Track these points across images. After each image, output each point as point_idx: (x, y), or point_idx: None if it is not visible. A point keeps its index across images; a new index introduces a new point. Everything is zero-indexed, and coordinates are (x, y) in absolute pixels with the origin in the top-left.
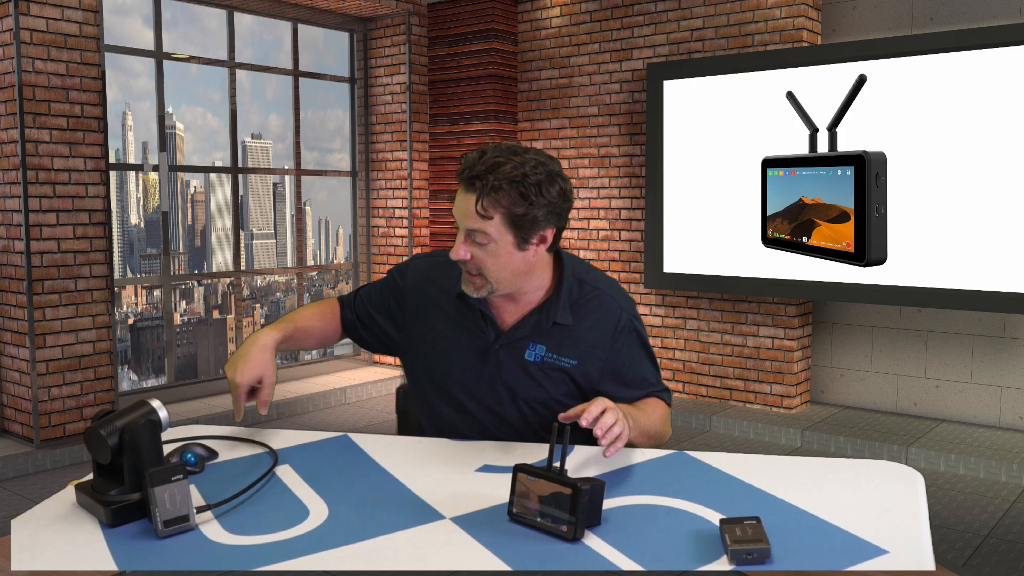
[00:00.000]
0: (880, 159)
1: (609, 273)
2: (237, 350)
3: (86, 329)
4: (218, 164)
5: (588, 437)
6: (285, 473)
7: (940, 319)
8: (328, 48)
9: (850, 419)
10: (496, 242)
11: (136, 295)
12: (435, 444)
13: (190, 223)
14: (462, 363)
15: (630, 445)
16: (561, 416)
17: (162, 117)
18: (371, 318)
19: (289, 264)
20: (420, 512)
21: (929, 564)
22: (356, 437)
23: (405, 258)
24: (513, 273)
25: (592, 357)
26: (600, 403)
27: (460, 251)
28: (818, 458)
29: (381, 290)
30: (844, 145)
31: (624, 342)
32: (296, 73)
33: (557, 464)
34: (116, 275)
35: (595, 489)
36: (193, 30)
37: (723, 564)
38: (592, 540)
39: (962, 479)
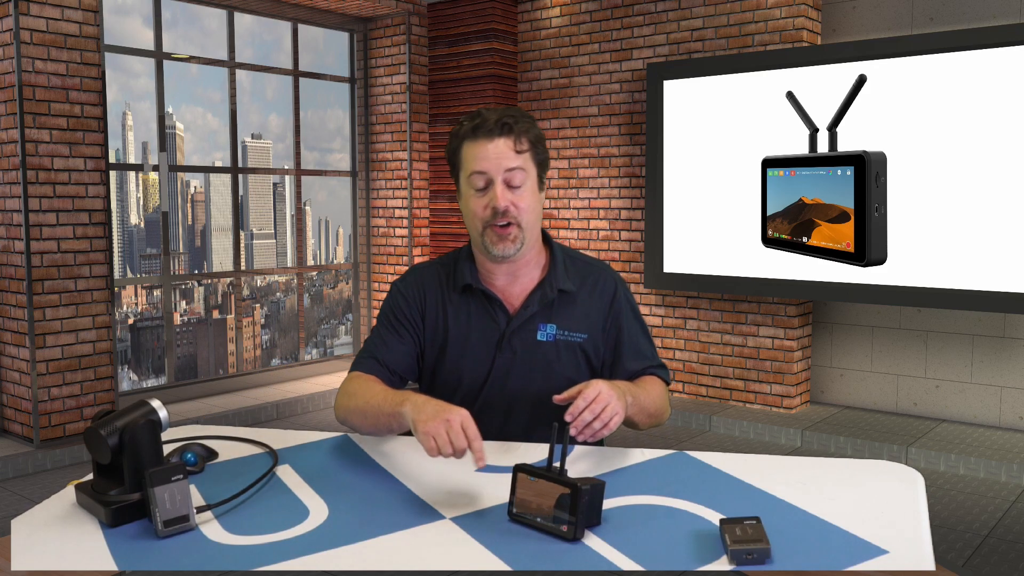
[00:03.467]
0: (880, 159)
1: None
2: (419, 413)
3: (86, 329)
4: (218, 164)
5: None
6: (285, 473)
7: (940, 319)
8: (328, 48)
9: (850, 419)
10: (528, 178)
11: (136, 295)
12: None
13: (190, 223)
14: (478, 358)
15: (630, 425)
16: (556, 398)
17: (162, 117)
18: (399, 358)
19: (289, 264)
20: (420, 512)
21: (929, 564)
22: (356, 437)
23: (405, 258)
24: (536, 218)
25: (597, 330)
26: (595, 387)
27: (504, 199)
28: (818, 458)
29: (387, 326)
30: (844, 145)
31: (620, 313)
32: (296, 73)
33: (557, 464)
34: (116, 275)
35: (595, 489)
36: (193, 30)
37: (723, 564)
38: (592, 540)
39: (962, 479)
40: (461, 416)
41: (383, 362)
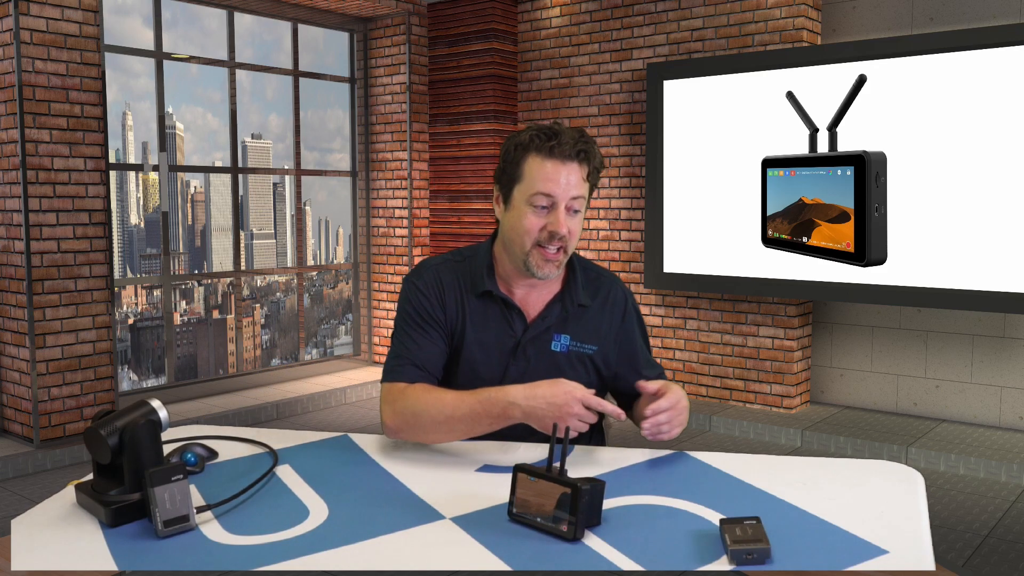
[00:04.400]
0: (880, 159)
1: None
2: (540, 420)
3: (86, 329)
4: (218, 164)
5: (588, 437)
6: (285, 473)
7: (940, 319)
8: (328, 48)
9: (850, 419)
10: (584, 206)
11: (136, 295)
12: (435, 444)
13: (190, 223)
14: (493, 363)
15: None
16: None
17: (162, 117)
18: (436, 359)
19: (289, 264)
20: (420, 512)
21: (929, 564)
22: (356, 437)
23: (405, 258)
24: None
25: (608, 341)
26: (678, 395)
27: (564, 226)
28: (818, 458)
29: (416, 327)
30: (844, 145)
31: (632, 327)
32: (296, 73)
33: (557, 464)
34: (116, 275)
35: (595, 489)
36: (193, 30)
37: (723, 564)
38: (592, 540)
39: (962, 479)
40: (582, 400)
41: (423, 366)
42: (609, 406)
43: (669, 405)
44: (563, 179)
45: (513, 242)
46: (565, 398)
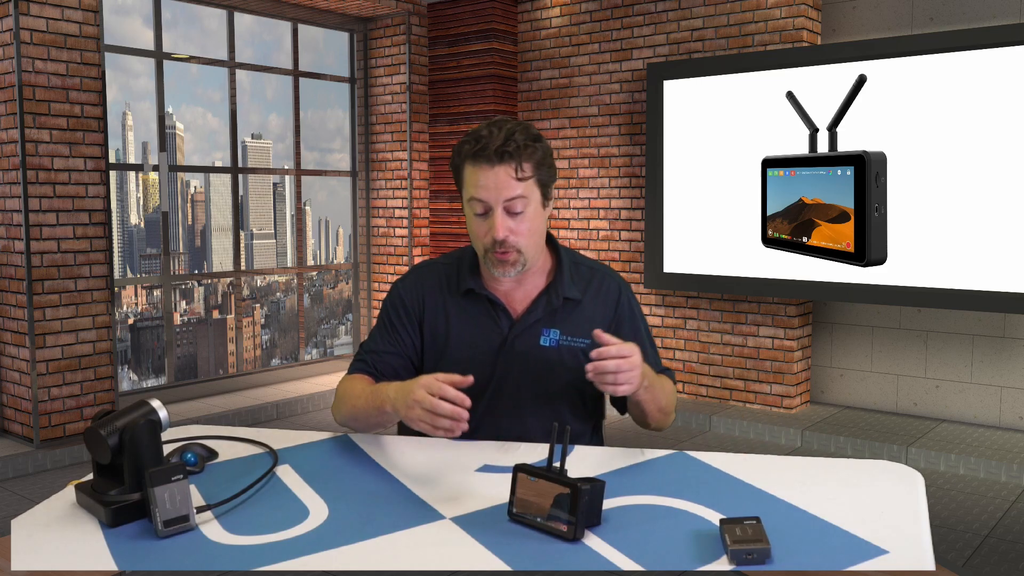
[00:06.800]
0: (880, 159)
1: None
2: (396, 412)
3: (86, 329)
4: (218, 164)
5: (589, 437)
6: (285, 473)
7: (940, 319)
8: (328, 48)
9: (850, 419)
10: (530, 203)
11: (136, 295)
12: (435, 444)
13: (190, 223)
14: (481, 362)
15: (639, 415)
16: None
17: (162, 117)
18: (389, 362)
19: (289, 264)
20: (420, 512)
21: (929, 564)
22: (356, 437)
23: (405, 258)
24: (540, 237)
25: None
26: (632, 348)
27: (503, 229)
28: (818, 458)
29: (383, 329)
30: (844, 145)
31: (626, 318)
32: (296, 73)
33: (557, 464)
34: (116, 275)
35: (595, 489)
36: (193, 30)
37: (723, 564)
38: (592, 540)
39: (962, 479)
40: (424, 386)
41: (372, 363)
42: (451, 391)
43: (617, 352)
44: (491, 183)
45: (474, 245)
46: (412, 387)
